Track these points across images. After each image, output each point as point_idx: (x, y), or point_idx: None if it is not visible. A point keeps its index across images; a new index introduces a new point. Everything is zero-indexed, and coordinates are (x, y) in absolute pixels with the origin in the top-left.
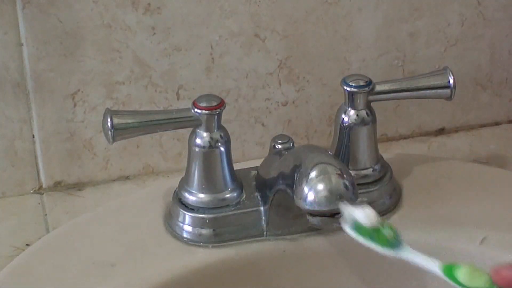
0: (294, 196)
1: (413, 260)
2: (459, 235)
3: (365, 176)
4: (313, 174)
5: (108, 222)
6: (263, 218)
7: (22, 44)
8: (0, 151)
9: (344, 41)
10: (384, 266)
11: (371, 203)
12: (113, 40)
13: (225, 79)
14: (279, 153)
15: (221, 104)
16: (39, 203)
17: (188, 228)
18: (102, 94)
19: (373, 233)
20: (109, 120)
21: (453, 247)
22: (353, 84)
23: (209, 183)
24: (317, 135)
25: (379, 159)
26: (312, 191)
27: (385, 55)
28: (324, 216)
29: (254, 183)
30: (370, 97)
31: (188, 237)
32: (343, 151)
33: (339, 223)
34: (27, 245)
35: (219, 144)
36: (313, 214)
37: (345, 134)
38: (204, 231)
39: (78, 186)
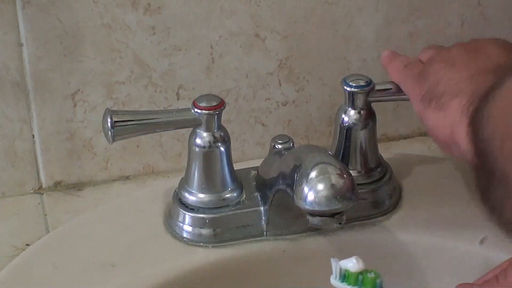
0: (294, 196)
1: None
2: (459, 235)
3: (365, 176)
4: (313, 174)
5: (108, 222)
6: (263, 218)
7: (22, 44)
8: (0, 151)
9: (344, 41)
10: (384, 266)
11: (371, 203)
12: (113, 40)
13: (225, 79)
14: (279, 153)
15: (221, 104)
16: (39, 203)
17: (188, 228)
18: (102, 94)
19: (359, 279)
20: (109, 120)
21: (453, 247)
22: (353, 84)
23: (209, 183)
24: (317, 135)
25: (379, 159)
26: (312, 191)
27: None
28: (324, 216)
29: (254, 183)
30: (370, 97)
31: (188, 237)
32: (343, 151)
33: (339, 223)
34: (27, 245)
35: (219, 144)
36: (313, 214)
37: (345, 134)
38: (204, 231)
39: (78, 186)
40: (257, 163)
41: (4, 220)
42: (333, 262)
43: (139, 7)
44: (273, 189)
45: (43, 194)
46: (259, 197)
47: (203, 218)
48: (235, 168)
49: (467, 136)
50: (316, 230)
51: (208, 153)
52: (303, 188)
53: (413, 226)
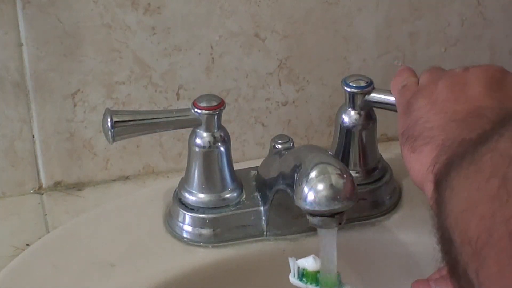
0: (294, 196)
1: None
2: None
3: (365, 176)
4: (313, 174)
5: (108, 222)
6: (263, 218)
7: (22, 44)
8: (0, 151)
9: (344, 41)
10: (384, 266)
11: (371, 203)
12: (113, 40)
13: (225, 79)
14: (279, 153)
15: (221, 104)
16: (39, 203)
17: (188, 228)
18: (102, 94)
19: (317, 278)
20: (109, 120)
21: None
22: (354, 85)
23: (209, 183)
24: (317, 135)
25: (379, 159)
26: (312, 191)
27: (385, 55)
28: (324, 216)
29: (254, 183)
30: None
31: (188, 237)
32: (343, 151)
33: (339, 223)
34: (27, 245)
35: (219, 144)
36: (313, 214)
37: (345, 134)
38: (204, 231)
39: (78, 186)
40: (257, 163)
41: (4, 220)
42: (291, 260)
43: (139, 7)
44: (273, 189)
45: (43, 194)
46: (259, 197)
47: (203, 218)
48: (235, 168)
49: (432, 199)
50: (316, 230)
51: (208, 153)
52: (303, 188)
53: (413, 226)
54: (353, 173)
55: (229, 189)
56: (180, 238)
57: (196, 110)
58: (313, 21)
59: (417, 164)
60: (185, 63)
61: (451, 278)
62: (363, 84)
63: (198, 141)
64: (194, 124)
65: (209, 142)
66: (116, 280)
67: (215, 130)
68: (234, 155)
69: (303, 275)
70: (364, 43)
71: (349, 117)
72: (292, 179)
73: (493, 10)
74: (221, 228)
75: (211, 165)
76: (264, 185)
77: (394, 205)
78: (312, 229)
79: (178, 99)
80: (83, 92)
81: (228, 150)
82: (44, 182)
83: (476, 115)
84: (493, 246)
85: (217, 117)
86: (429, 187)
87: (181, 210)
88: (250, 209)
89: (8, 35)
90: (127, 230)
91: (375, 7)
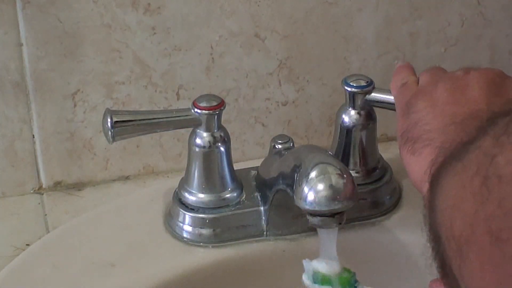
0: (294, 196)
1: None
2: None
3: (365, 176)
4: (313, 174)
5: (108, 222)
6: (263, 218)
7: (22, 44)
8: (0, 151)
9: (344, 41)
10: (384, 266)
11: (371, 203)
12: (113, 40)
13: (225, 79)
14: (279, 153)
15: (221, 104)
16: (39, 203)
17: (188, 228)
18: (102, 94)
19: (333, 280)
20: (109, 120)
21: None
22: (354, 84)
23: (209, 183)
24: (317, 135)
25: (379, 159)
26: (312, 191)
27: (385, 55)
28: (324, 216)
29: (254, 183)
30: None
31: (188, 237)
32: (343, 151)
33: (339, 223)
34: (27, 245)
35: (219, 144)
36: (313, 214)
37: (346, 134)
38: (204, 231)
39: (78, 186)
40: (257, 163)
41: (4, 220)
42: (305, 263)
43: (139, 7)
44: (273, 189)
45: (43, 194)
46: (259, 197)
47: (203, 218)
48: (235, 168)
49: (426, 198)
50: (316, 230)
51: (208, 153)
52: (303, 188)
53: (413, 226)
54: (353, 173)
55: (229, 189)
56: (180, 238)
57: (196, 110)
58: (313, 21)
59: (416, 166)
60: (185, 63)
61: (441, 277)
62: (363, 83)
63: (198, 141)
64: (194, 124)
65: (209, 142)
66: (116, 280)
67: (215, 130)
68: (234, 155)
69: (317, 277)
70: (364, 43)
71: (349, 117)
72: (292, 179)
73: (493, 10)
74: (221, 228)
75: (211, 165)
76: (264, 185)
77: (394, 205)
78: (312, 229)
79: (178, 99)
80: (83, 92)
81: (228, 150)
82: (44, 182)
83: (474, 118)
84: (475, 243)
85: (217, 117)
86: (426, 189)
87: (181, 210)
88: (250, 209)
89: (8, 35)
90: (127, 230)
91: (375, 7)
